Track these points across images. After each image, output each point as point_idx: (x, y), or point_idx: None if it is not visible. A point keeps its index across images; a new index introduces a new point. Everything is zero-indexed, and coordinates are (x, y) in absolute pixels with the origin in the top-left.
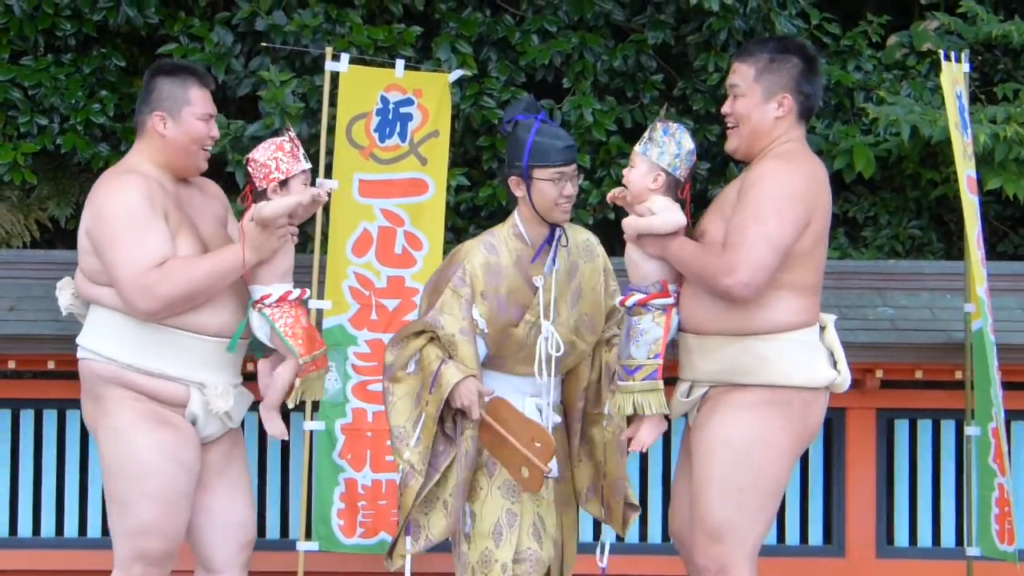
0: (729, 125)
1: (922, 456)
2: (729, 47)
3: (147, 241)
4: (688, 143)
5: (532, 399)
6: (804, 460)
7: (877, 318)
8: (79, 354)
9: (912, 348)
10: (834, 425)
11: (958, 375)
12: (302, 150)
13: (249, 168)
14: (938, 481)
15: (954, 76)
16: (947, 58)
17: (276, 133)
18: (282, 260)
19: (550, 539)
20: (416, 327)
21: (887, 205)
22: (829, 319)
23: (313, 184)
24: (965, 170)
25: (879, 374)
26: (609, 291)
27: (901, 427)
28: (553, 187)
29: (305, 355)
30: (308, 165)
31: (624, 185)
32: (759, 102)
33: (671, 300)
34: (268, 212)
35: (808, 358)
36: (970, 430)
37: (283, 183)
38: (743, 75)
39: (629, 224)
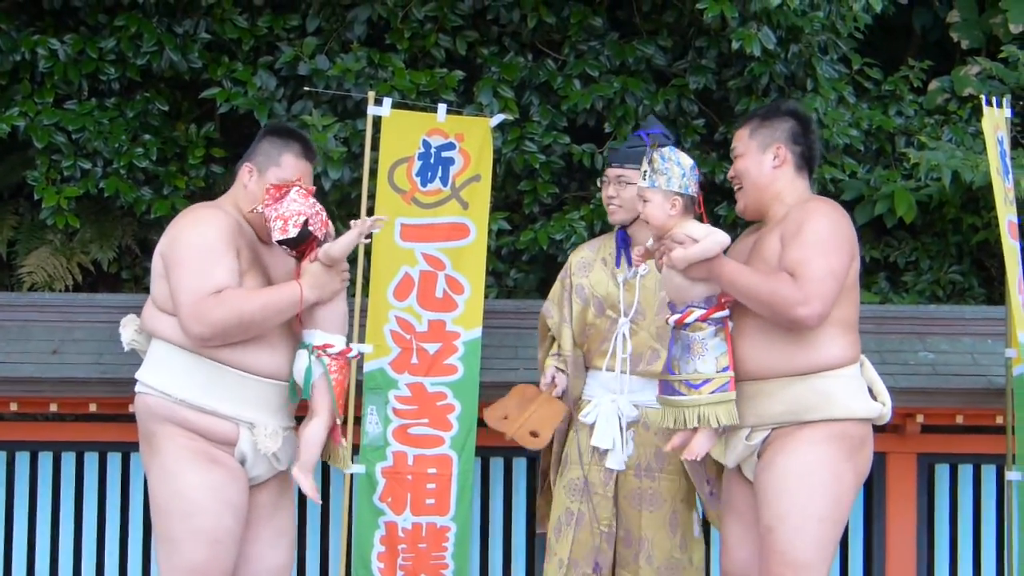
0: (736, 187)
1: (963, 501)
2: (771, 92)
3: (213, 271)
4: (687, 159)
5: (609, 395)
6: None
7: (918, 363)
8: (136, 388)
9: (953, 393)
10: (875, 469)
11: (999, 420)
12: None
13: (304, 226)
14: (979, 526)
15: (995, 121)
16: (988, 103)
17: (318, 178)
18: (341, 306)
19: (594, 533)
20: (542, 324)
21: (928, 250)
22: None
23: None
24: (1006, 215)
25: (920, 419)
26: None
27: (942, 472)
28: (607, 187)
29: (338, 415)
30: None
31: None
32: (755, 155)
33: (728, 312)
34: (339, 250)
35: (863, 392)
36: (1011, 475)
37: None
38: (739, 137)
39: (680, 257)
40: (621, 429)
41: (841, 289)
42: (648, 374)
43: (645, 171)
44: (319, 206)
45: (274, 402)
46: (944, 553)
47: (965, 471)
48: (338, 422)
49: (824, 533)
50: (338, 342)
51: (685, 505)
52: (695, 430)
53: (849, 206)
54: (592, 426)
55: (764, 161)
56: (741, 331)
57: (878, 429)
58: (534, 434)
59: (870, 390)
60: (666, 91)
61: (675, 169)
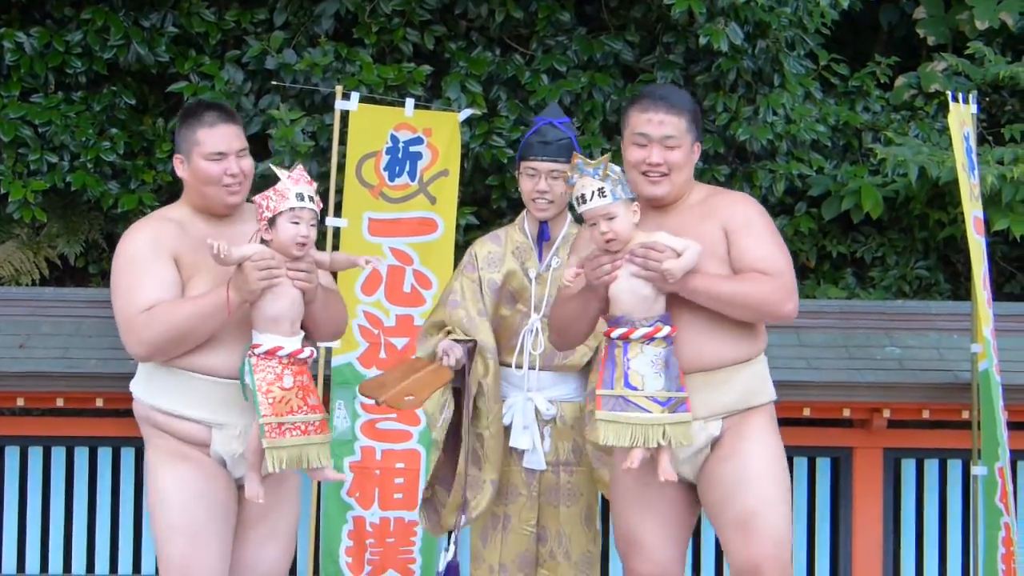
0: (661, 174)
1: (929, 495)
2: (738, 87)
3: (141, 287)
4: (613, 164)
5: (523, 394)
6: (811, 498)
7: (884, 358)
8: None
9: (919, 388)
10: (841, 464)
11: (965, 415)
12: (301, 187)
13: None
14: (944, 520)
15: (962, 117)
16: (955, 99)
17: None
18: (269, 305)
19: (521, 536)
20: (438, 319)
21: (895, 245)
22: None
23: (322, 222)
24: (972, 211)
25: (886, 414)
26: None
27: (908, 466)
28: (528, 181)
29: (269, 416)
30: (305, 203)
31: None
32: (688, 147)
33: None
34: (235, 254)
35: None
36: (977, 470)
37: (271, 221)
38: (676, 127)
39: (678, 268)
40: (539, 427)
41: None
42: (563, 368)
43: (601, 187)
44: (270, 195)
45: (241, 402)
46: (910, 548)
47: (931, 466)
48: (259, 423)
49: (789, 511)
50: (266, 341)
51: (595, 498)
52: (654, 448)
53: (816, 201)
54: (509, 427)
55: (693, 158)
56: (688, 325)
57: (845, 424)
58: (408, 397)
59: None
60: (633, 86)
61: (615, 174)
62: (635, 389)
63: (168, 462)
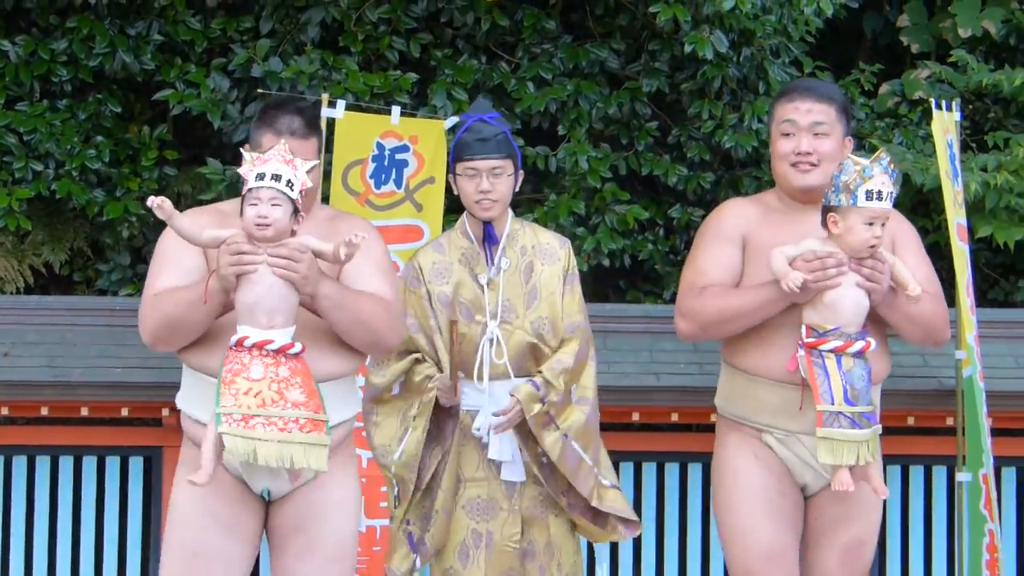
0: (811, 163)
1: (914, 502)
2: (723, 95)
3: (159, 272)
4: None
5: (487, 408)
6: None
7: None
8: None
9: (904, 395)
10: None
11: (949, 421)
12: (264, 167)
13: None
14: (930, 527)
15: (945, 124)
16: (938, 107)
17: None
18: (243, 293)
19: (505, 552)
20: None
21: None
22: None
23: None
24: (955, 218)
25: None
26: (567, 297)
27: (893, 473)
28: (468, 182)
29: (230, 407)
30: (264, 183)
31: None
32: (839, 143)
33: None
34: (205, 237)
35: None
36: (961, 476)
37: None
38: (827, 114)
39: (887, 282)
40: (515, 438)
41: None
42: (522, 375)
43: (892, 192)
44: (243, 170)
45: None
46: (896, 554)
47: (916, 472)
48: (215, 411)
49: None
50: (240, 331)
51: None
52: (863, 465)
53: None
54: (485, 440)
55: (845, 146)
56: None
57: None
58: None
59: None
60: (619, 94)
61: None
62: (853, 405)
63: (185, 476)
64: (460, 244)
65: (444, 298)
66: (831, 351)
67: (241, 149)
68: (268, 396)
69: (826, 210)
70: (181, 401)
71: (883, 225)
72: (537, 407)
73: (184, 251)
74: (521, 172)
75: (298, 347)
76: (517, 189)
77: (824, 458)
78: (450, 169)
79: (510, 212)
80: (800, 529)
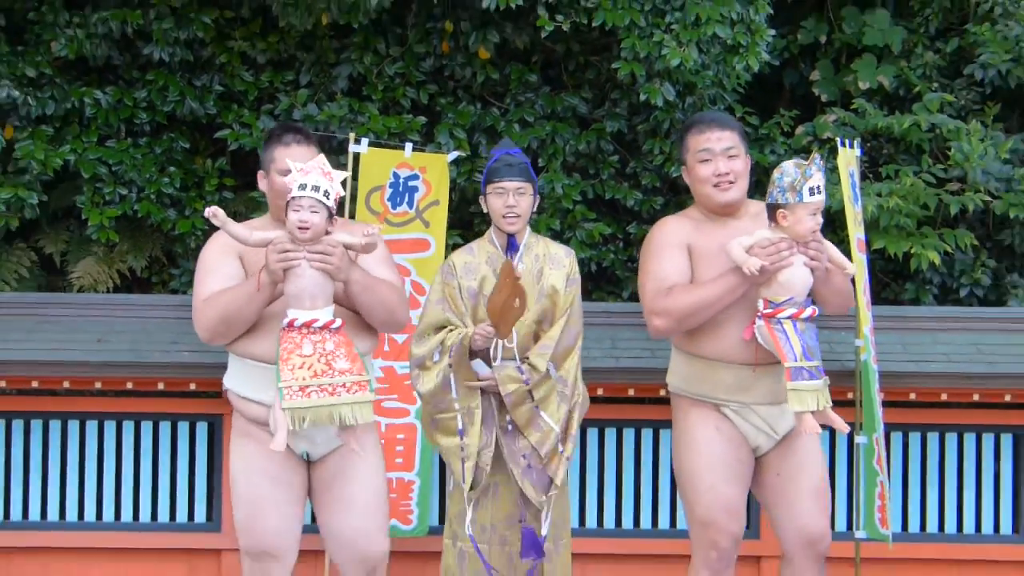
0: (729, 181)
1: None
2: (671, 135)
3: (205, 280)
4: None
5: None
6: None
7: None
8: None
9: None
10: None
11: (850, 396)
12: (306, 178)
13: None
14: (834, 479)
15: (848, 158)
16: (843, 144)
17: None
18: (290, 284)
19: (508, 500)
20: (434, 321)
21: None
22: None
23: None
24: (856, 233)
25: None
26: (566, 293)
27: None
28: (497, 199)
29: (289, 380)
30: (305, 193)
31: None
32: (745, 160)
33: None
34: (256, 239)
35: None
36: (859, 439)
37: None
38: (734, 140)
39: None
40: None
41: None
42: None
43: (813, 187)
44: (288, 179)
45: None
46: None
47: (824, 437)
48: (279, 387)
49: None
50: (289, 314)
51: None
52: (821, 410)
53: None
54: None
55: (747, 161)
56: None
57: None
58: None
59: None
60: (587, 134)
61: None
62: (810, 360)
63: (238, 441)
64: (487, 249)
65: (471, 291)
66: (788, 317)
67: (258, 176)
68: (319, 368)
69: (773, 207)
70: (228, 381)
71: (819, 213)
72: (513, 387)
73: (224, 261)
74: (538, 196)
75: (338, 322)
76: (535, 209)
77: (794, 406)
78: (482, 191)
79: (528, 228)
80: (749, 486)
